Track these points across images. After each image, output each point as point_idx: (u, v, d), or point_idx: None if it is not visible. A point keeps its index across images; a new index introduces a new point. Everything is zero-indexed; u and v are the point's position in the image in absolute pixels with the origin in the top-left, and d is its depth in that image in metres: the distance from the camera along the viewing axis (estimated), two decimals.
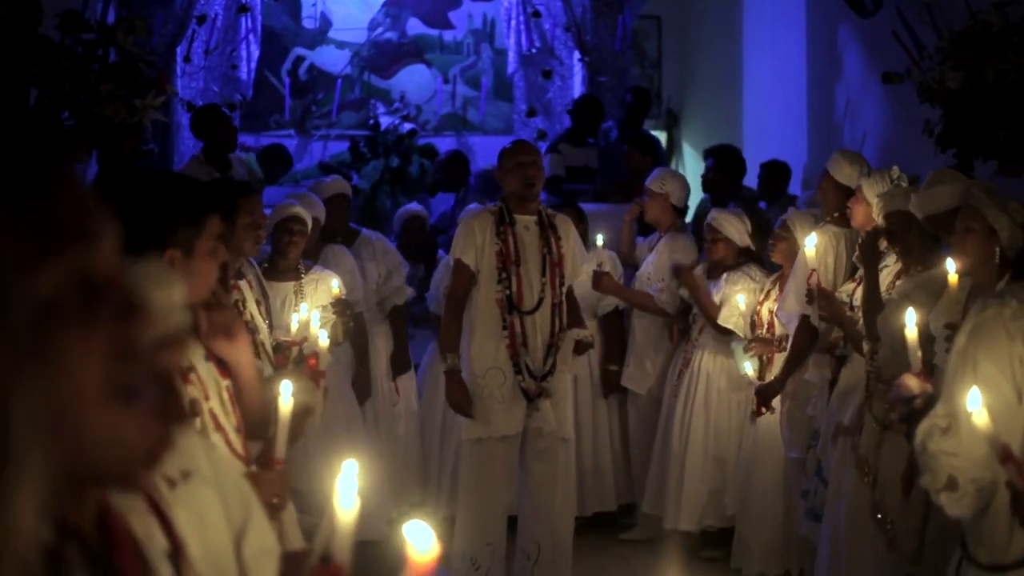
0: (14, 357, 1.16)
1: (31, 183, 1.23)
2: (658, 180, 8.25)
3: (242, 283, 5.68)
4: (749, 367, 7.15)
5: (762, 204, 8.96)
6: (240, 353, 3.72)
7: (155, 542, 1.85)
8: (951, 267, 4.65)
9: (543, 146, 10.42)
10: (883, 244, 6.28)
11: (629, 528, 8.39)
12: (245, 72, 11.40)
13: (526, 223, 6.81)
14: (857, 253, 6.27)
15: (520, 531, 6.97)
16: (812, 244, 6.42)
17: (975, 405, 2.99)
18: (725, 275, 7.69)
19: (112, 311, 1.27)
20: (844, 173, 6.86)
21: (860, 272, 6.33)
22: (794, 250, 6.97)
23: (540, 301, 6.76)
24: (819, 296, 6.35)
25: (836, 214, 6.87)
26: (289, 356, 5.76)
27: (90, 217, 1.29)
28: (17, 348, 1.16)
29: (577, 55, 11.57)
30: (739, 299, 7.39)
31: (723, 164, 8.96)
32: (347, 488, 1.93)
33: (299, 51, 12.00)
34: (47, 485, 1.23)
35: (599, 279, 7.94)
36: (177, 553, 1.96)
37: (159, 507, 1.96)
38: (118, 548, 1.67)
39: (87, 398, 1.24)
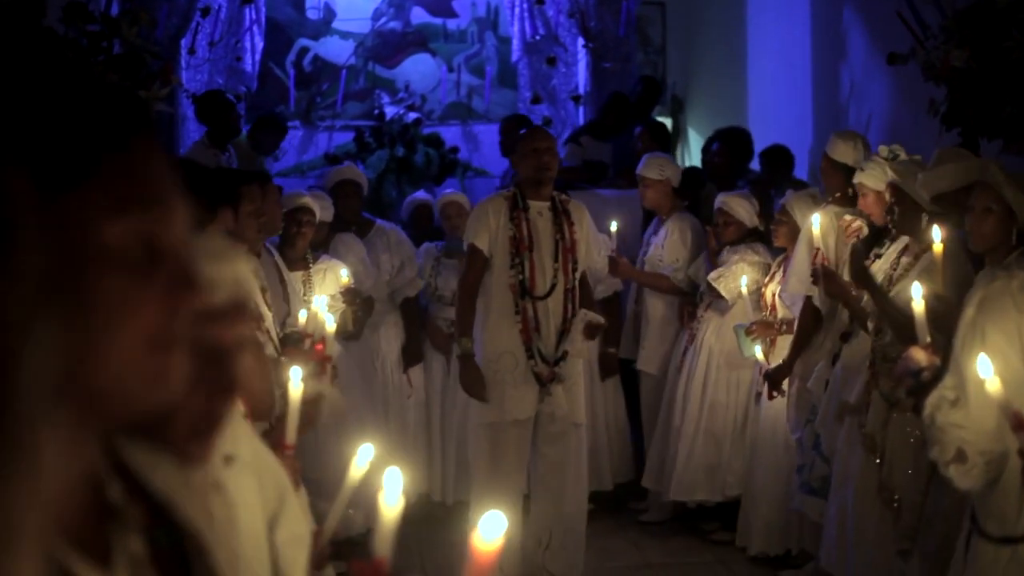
0: (48, 292, 1.16)
1: (114, 144, 1.25)
2: (656, 167, 8.26)
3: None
4: (758, 351, 7.16)
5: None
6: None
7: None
8: (936, 236, 4.65)
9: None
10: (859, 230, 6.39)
11: (640, 511, 8.45)
12: (249, 64, 11.40)
13: (540, 209, 6.84)
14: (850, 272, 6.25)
15: (532, 516, 6.98)
16: (817, 223, 6.43)
17: (987, 373, 2.99)
18: (727, 247, 7.72)
19: (168, 279, 1.28)
20: (840, 151, 6.92)
21: (873, 251, 6.33)
22: (795, 232, 6.99)
23: (553, 287, 6.79)
24: (823, 275, 6.36)
25: (838, 194, 6.90)
26: (300, 346, 5.76)
27: (166, 187, 1.30)
28: (55, 285, 1.16)
29: (581, 41, 11.55)
30: (742, 280, 7.41)
31: (729, 147, 8.96)
32: (392, 486, 1.92)
33: (303, 42, 11.98)
34: (75, 435, 1.24)
35: (615, 264, 8.02)
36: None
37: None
38: None
39: (120, 345, 1.24)
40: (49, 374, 1.17)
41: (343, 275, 7.00)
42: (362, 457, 2.64)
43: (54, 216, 1.17)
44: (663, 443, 8.08)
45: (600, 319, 6.89)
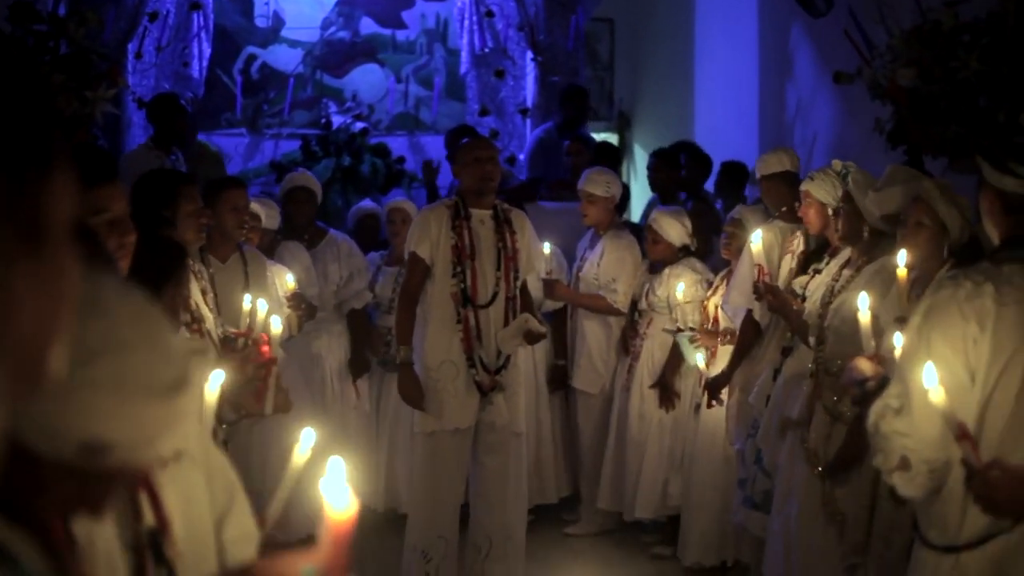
0: None
1: (60, 134, 1.27)
2: (603, 183, 8.14)
3: None
4: (701, 359, 7.21)
5: (718, 204, 9.03)
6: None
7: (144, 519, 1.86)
8: (901, 260, 4.68)
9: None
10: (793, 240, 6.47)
11: (572, 523, 8.47)
12: (197, 70, 11.34)
13: (481, 217, 6.83)
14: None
15: (472, 525, 6.97)
16: (758, 239, 6.47)
17: (931, 382, 3.01)
18: (668, 270, 7.74)
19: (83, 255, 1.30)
20: (770, 164, 7.03)
21: (813, 266, 6.37)
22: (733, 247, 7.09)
23: (495, 295, 6.77)
24: (766, 291, 6.39)
25: (784, 208, 6.93)
26: (235, 347, 5.72)
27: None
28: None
29: (530, 55, 11.59)
30: (678, 288, 7.46)
31: (663, 162, 9.06)
32: (338, 488, 1.88)
33: (251, 49, 11.93)
34: None
35: (552, 288, 8.00)
36: (162, 531, 1.96)
37: (150, 484, 1.97)
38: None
39: (43, 312, 1.25)
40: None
41: (289, 280, 6.97)
42: (304, 442, 2.61)
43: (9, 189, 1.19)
44: (617, 463, 8.05)
45: (541, 328, 6.88)
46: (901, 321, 4.55)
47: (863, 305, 3.87)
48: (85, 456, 1.54)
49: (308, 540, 2.12)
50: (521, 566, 7.04)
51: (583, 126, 10.99)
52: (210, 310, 5.84)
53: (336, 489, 1.67)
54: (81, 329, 1.44)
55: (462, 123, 10.71)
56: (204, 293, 5.90)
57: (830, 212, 6.13)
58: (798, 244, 6.69)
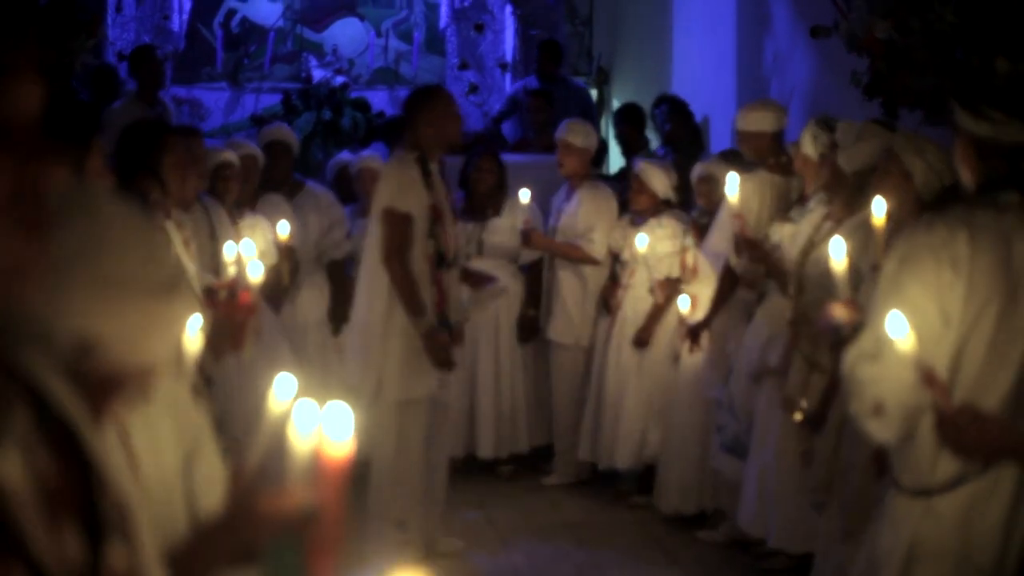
0: None
1: None
2: (582, 134, 8.17)
3: (167, 223, 5.60)
4: (683, 304, 7.31)
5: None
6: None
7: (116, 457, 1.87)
8: (880, 210, 4.72)
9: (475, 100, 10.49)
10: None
11: (549, 473, 8.50)
12: (177, 23, 11.34)
13: (435, 172, 6.58)
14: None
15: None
16: (734, 189, 6.46)
17: (898, 331, 3.04)
18: (653, 220, 7.76)
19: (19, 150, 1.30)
20: (760, 122, 6.98)
21: (791, 213, 6.42)
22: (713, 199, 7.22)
23: (455, 254, 6.67)
24: (745, 245, 6.41)
25: (771, 161, 6.96)
26: (217, 299, 5.72)
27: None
28: None
29: (509, 9, 11.62)
30: (638, 240, 7.51)
31: (626, 118, 9.22)
32: (304, 422, 1.86)
33: (231, 3, 11.92)
34: None
35: (529, 237, 7.93)
36: (131, 470, 1.98)
37: (119, 424, 1.99)
38: None
39: None
40: None
41: (283, 232, 6.96)
42: (282, 389, 2.58)
43: None
44: (597, 415, 8.06)
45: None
46: (877, 269, 4.60)
47: (838, 253, 3.90)
48: (80, 356, 1.57)
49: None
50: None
51: (554, 80, 11.04)
52: (191, 261, 5.84)
53: (334, 425, 1.66)
54: (77, 228, 1.48)
55: (439, 81, 10.75)
56: (186, 244, 5.90)
57: (803, 164, 6.26)
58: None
